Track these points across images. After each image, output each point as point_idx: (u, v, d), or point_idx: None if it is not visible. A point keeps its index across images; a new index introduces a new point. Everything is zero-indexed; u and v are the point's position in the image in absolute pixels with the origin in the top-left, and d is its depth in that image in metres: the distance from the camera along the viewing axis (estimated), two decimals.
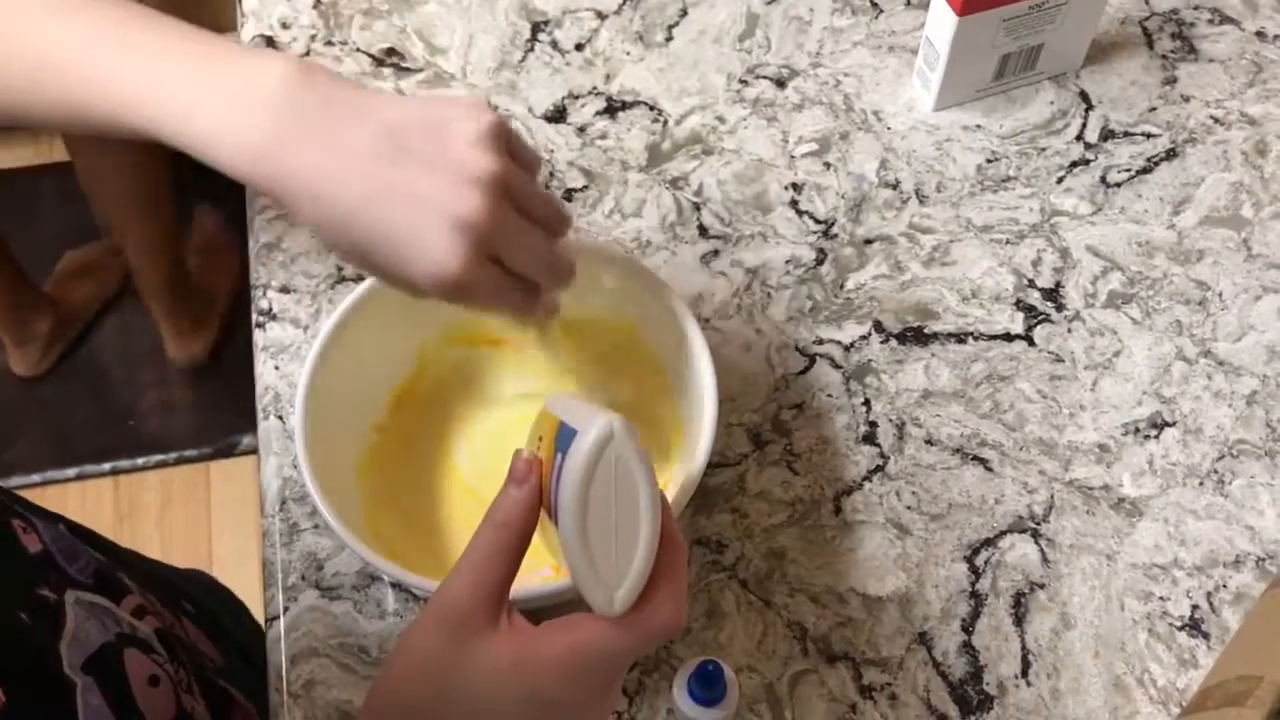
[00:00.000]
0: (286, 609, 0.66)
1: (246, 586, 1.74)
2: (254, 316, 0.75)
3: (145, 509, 1.85)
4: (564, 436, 0.45)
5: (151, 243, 1.73)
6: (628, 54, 0.86)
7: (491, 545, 0.45)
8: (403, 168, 0.48)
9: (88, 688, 0.54)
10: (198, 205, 1.92)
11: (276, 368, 0.73)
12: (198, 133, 0.49)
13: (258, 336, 0.74)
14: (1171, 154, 0.81)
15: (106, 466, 1.87)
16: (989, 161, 0.81)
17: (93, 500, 1.86)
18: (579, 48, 0.86)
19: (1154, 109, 0.83)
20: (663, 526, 0.45)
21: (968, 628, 0.65)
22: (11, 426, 1.90)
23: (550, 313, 0.55)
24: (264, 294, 0.76)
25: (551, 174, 0.80)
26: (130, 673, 0.58)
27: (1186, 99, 0.84)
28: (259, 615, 0.79)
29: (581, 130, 0.82)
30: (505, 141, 0.50)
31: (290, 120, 0.49)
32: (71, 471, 1.87)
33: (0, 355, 1.92)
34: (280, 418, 0.71)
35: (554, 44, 0.86)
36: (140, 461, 1.88)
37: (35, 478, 1.86)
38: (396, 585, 0.66)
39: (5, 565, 0.55)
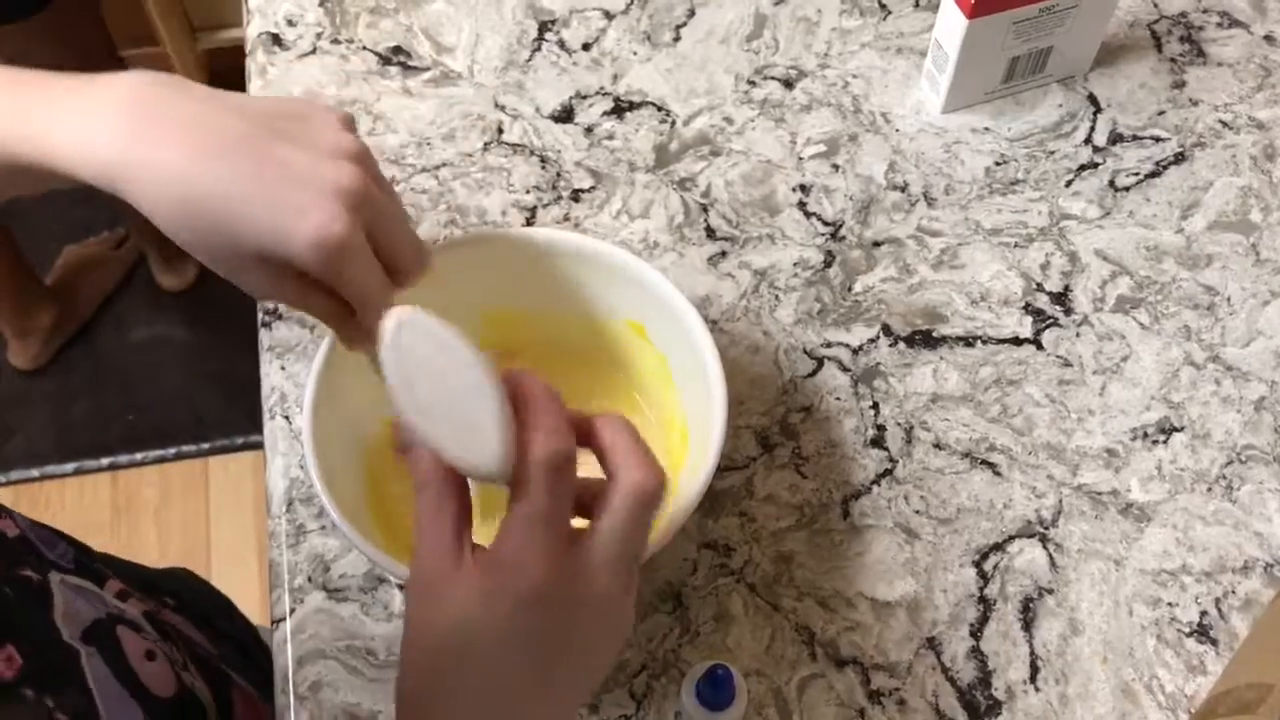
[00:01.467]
0: (293, 610, 0.65)
1: (245, 583, 1.75)
2: (260, 315, 0.75)
3: (143, 504, 1.85)
4: None
5: None
6: (635, 54, 0.86)
7: (426, 506, 0.46)
8: (276, 144, 0.49)
9: (91, 655, 0.54)
10: None
11: (282, 368, 0.73)
12: (56, 150, 0.49)
13: (263, 336, 0.74)
14: (1180, 158, 0.81)
15: (105, 461, 1.87)
16: (997, 164, 0.81)
17: (90, 495, 1.85)
18: (586, 47, 0.86)
19: (1162, 112, 0.83)
20: (513, 385, 0.45)
21: (976, 633, 0.65)
22: (10, 420, 1.90)
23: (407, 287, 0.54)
24: None
25: (559, 174, 0.80)
26: (126, 646, 0.58)
27: (1195, 103, 0.83)
28: (261, 614, 0.79)
29: (589, 130, 0.82)
30: (354, 127, 0.52)
31: (147, 116, 0.49)
32: (70, 466, 1.87)
33: (0, 348, 1.91)
34: (286, 418, 0.71)
35: (561, 44, 0.86)
36: (139, 457, 1.87)
37: (33, 472, 1.86)
38: (404, 587, 0.66)
39: None
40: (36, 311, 1.86)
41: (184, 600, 0.77)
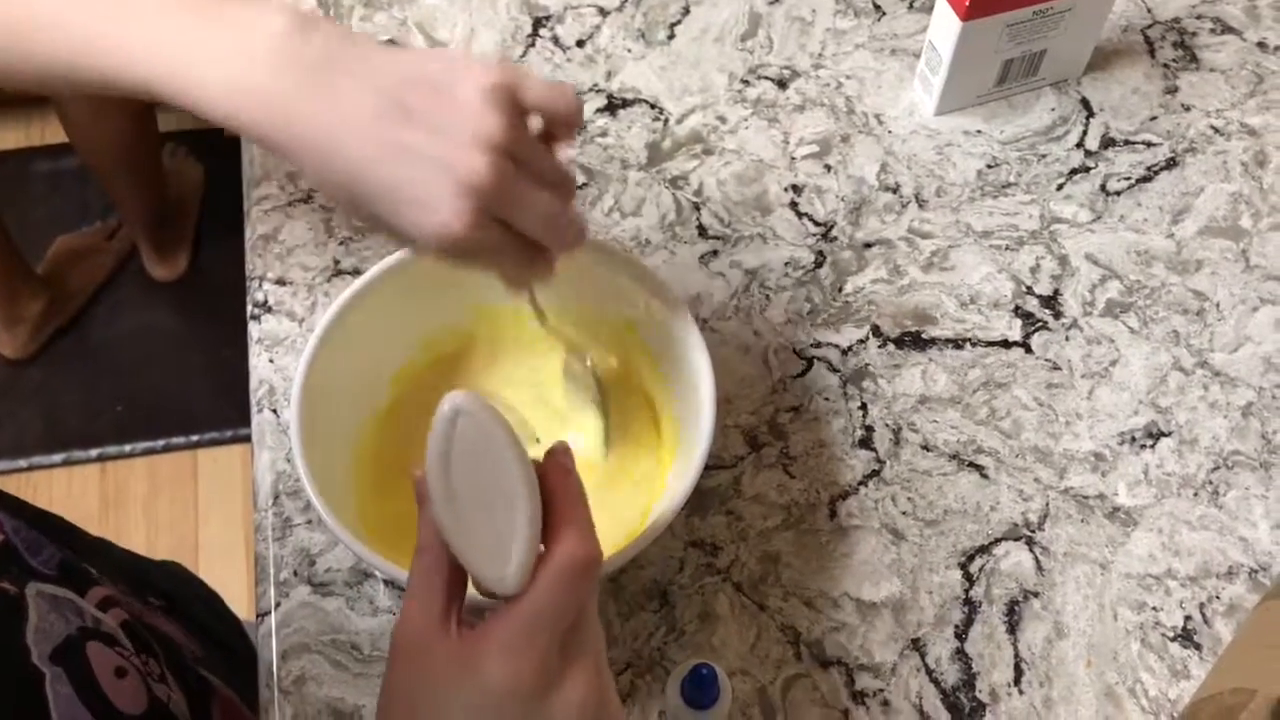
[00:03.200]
0: (278, 604, 0.65)
1: (233, 577, 1.75)
2: (249, 309, 0.74)
3: (132, 496, 1.84)
4: None
5: (138, 182, 1.82)
6: (629, 51, 0.86)
7: (420, 572, 0.45)
8: (407, 128, 0.48)
9: (56, 678, 0.53)
10: None
11: (271, 361, 0.73)
12: (197, 88, 0.49)
13: (253, 329, 0.74)
14: (1171, 163, 0.81)
15: (94, 453, 1.87)
16: (989, 167, 0.81)
17: (79, 486, 1.85)
18: (580, 44, 0.86)
19: (1155, 118, 0.83)
20: (549, 483, 0.45)
21: (961, 635, 0.65)
22: None
23: (548, 274, 0.54)
24: (260, 286, 0.75)
25: None
26: (94, 665, 0.57)
27: (1187, 108, 0.84)
28: (247, 607, 0.79)
29: (581, 128, 0.82)
30: (513, 99, 0.49)
31: (293, 75, 0.48)
32: (58, 457, 1.86)
33: None
34: (274, 411, 0.71)
35: (555, 40, 0.86)
36: (128, 448, 1.87)
37: (21, 462, 1.85)
38: (389, 582, 0.66)
39: None
40: (26, 300, 1.85)
41: (172, 600, 0.77)
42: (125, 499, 1.84)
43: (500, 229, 0.50)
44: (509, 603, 0.44)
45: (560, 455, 0.48)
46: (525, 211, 0.50)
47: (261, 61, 0.48)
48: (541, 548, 0.44)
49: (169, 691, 0.63)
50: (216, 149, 2.03)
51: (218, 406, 1.87)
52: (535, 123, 0.52)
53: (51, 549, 0.62)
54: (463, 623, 0.45)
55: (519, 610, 0.43)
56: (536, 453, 0.47)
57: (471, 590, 0.45)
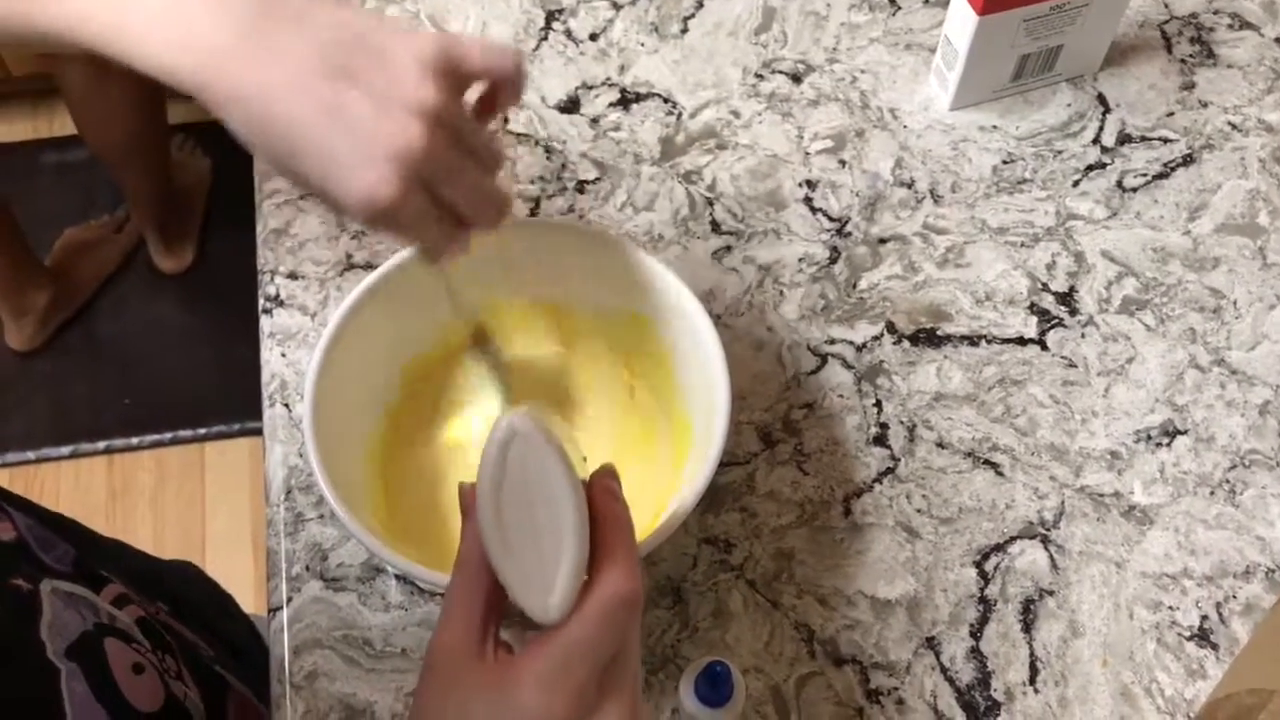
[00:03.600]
0: (290, 599, 0.65)
1: (239, 569, 1.75)
2: (261, 302, 0.74)
3: (139, 488, 1.84)
4: None
5: (146, 172, 1.82)
6: (642, 45, 0.85)
7: (460, 587, 0.45)
8: (346, 90, 0.47)
9: (72, 674, 0.53)
10: None
11: (283, 355, 0.72)
12: (136, 44, 0.48)
13: (264, 323, 0.73)
14: (1189, 160, 0.81)
15: (101, 445, 1.87)
16: (1005, 163, 0.80)
17: (86, 478, 1.85)
18: (593, 37, 0.85)
19: (1171, 114, 0.83)
20: (596, 510, 0.44)
21: (976, 633, 0.65)
22: (6, 402, 1.89)
23: (464, 249, 0.54)
24: (271, 280, 0.75)
25: (564, 165, 0.79)
26: (112, 660, 0.57)
27: (1204, 104, 0.83)
28: (255, 600, 0.79)
29: (594, 121, 0.81)
30: (453, 69, 0.49)
31: (233, 28, 0.48)
32: (66, 449, 1.86)
33: None
34: (286, 405, 0.71)
35: (568, 33, 0.86)
36: (135, 441, 1.87)
37: (29, 454, 1.85)
38: (401, 578, 0.66)
39: None
40: (33, 292, 1.85)
41: (183, 602, 0.77)
42: (132, 492, 1.84)
43: (425, 198, 0.49)
44: (549, 631, 0.43)
45: (608, 479, 0.47)
46: (453, 183, 0.50)
47: (201, 15, 0.48)
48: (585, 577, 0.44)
49: (186, 689, 0.63)
50: (225, 142, 2.03)
51: (225, 399, 1.87)
52: (476, 90, 0.52)
53: (65, 546, 0.62)
54: (500, 644, 0.44)
55: (558, 641, 0.42)
56: (582, 473, 0.47)
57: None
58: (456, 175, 0.50)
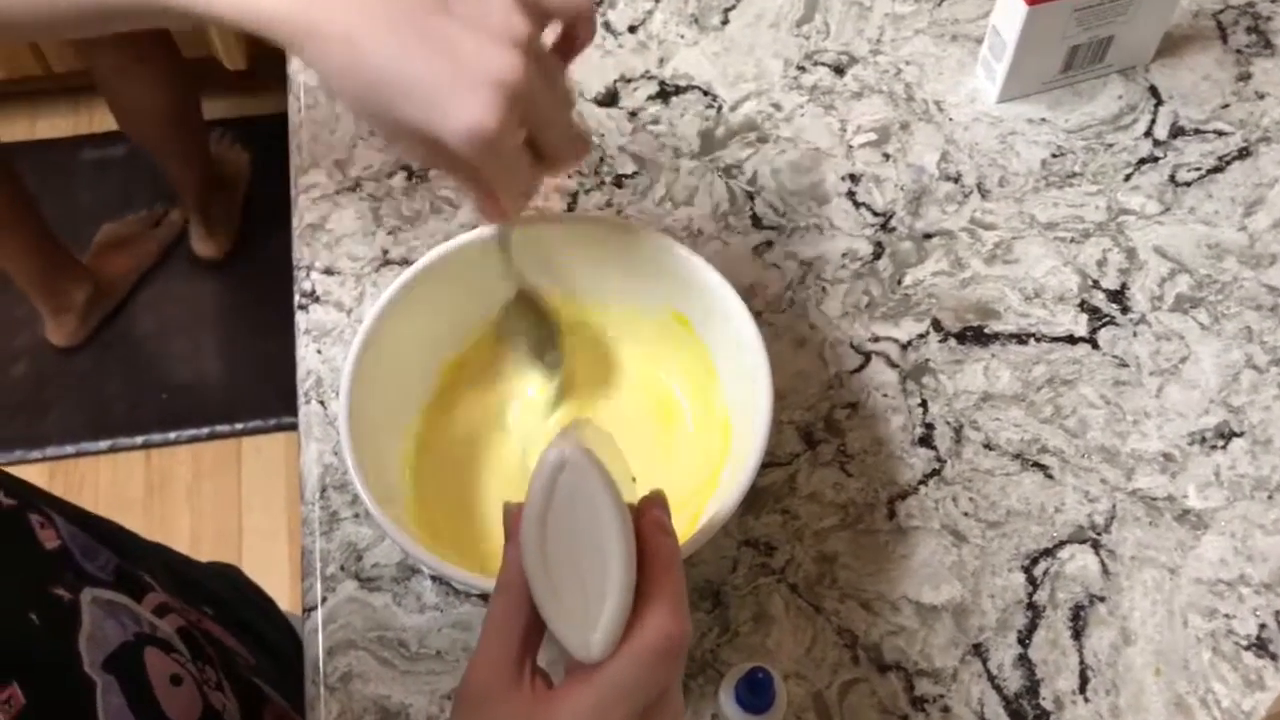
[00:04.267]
0: (325, 600, 0.64)
1: (276, 565, 1.75)
2: (296, 298, 0.73)
3: (176, 483, 1.85)
4: None
5: (187, 158, 1.83)
6: (682, 37, 0.84)
7: (499, 612, 0.44)
8: (437, 21, 0.47)
9: (108, 687, 0.52)
10: None
11: (319, 351, 0.72)
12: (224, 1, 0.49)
13: (300, 319, 0.73)
14: (1244, 153, 0.78)
15: (139, 439, 1.87)
16: (1054, 156, 0.78)
17: (124, 473, 1.86)
18: (632, 29, 0.84)
19: (1227, 105, 0.80)
20: (645, 544, 0.43)
21: (1024, 640, 0.63)
22: (46, 397, 1.91)
23: (555, 190, 0.54)
24: (307, 275, 0.74)
25: (601, 159, 0.78)
26: (151, 671, 0.57)
27: (1261, 96, 0.81)
28: (292, 596, 0.78)
29: (633, 115, 0.80)
30: (532, 1, 0.50)
31: None
32: (104, 444, 1.87)
33: (37, 326, 1.92)
34: (322, 403, 0.70)
35: (607, 25, 0.84)
36: (172, 435, 1.87)
37: (68, 449, 1.86)
38: (436, 578, 0.65)
39: (18, 563, 0.54)
40: (72, 289, 1.86)
41: (224, 605, 0.76)
42: (169, 486, 1.85)
43: (520, 133, 0.50)
44: (589, 669, 0.41)
45: (658, 510, 0.45)
46: (545, 116, 0.50)
47: None
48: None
49: (224, 700, 0.62)
50: (263, 136, 2.03)
51: (262, 395, 1.88)
52: (552, 32, 0.52)
53: (107, 554, 0.61)
54: (537, 674, 0.43)
55: (597, 681, 0.41)
56: (630, 495, 0.45)
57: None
58: (549, 108, 0.50)
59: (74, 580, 0.56)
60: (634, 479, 0.48)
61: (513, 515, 0.45)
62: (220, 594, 0.78)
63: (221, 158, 2.01)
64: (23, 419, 1.89)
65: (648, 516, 0.45)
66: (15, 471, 0.60)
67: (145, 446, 1.88)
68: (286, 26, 0.48)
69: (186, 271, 2.00)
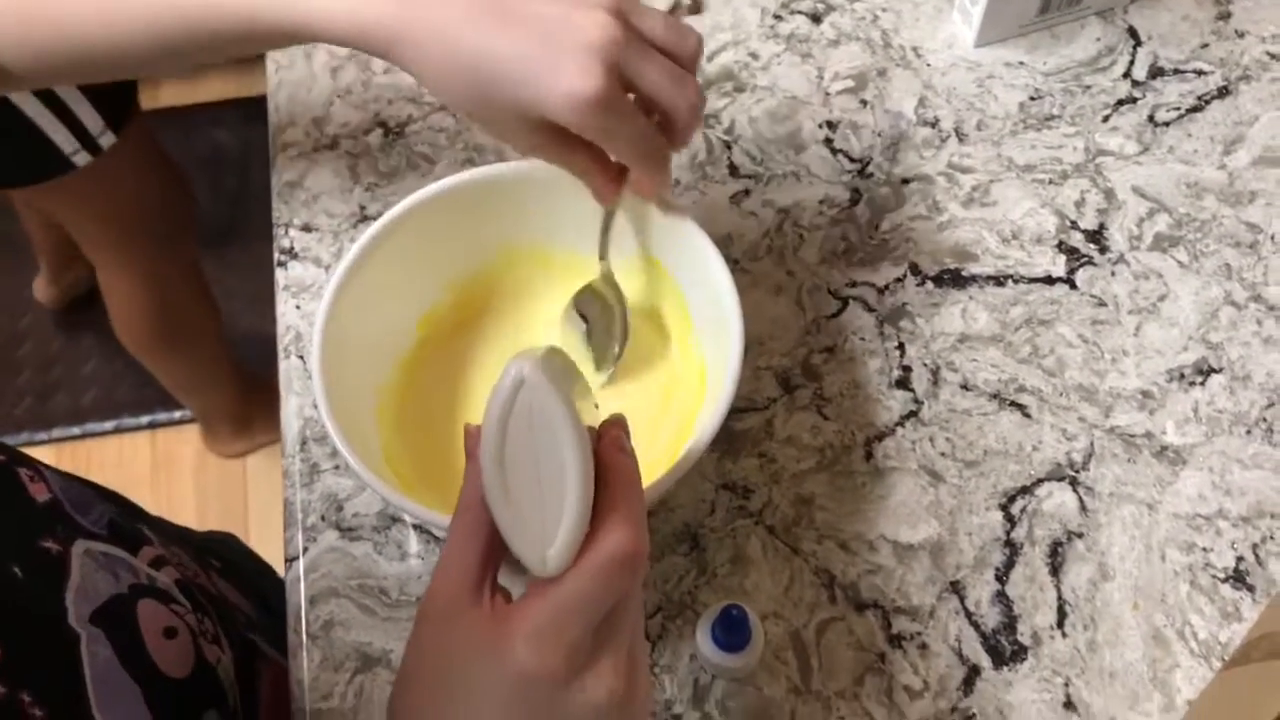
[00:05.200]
0: (306, 549, 0.65)
1: (280, 539, 1.75)
2: (275, 255, 0.74)
3: (182, 462, 1.86)
4: None
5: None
6: None
7: (458, 532, 0.44)
8: (528, 1, 0.49)
9: (94, 639, 0.53)
10: None
11: (298, 307, 0.72)
12: (316, 12, 0.51)
13: (279, 275, 0.73)
14: (1224, 92, 0.78)
15: (144, 419, 1.89)
16: (1032, 99, 0.78)
17: (130, 453, 1.87)
18: None
19: (1206, 45, 0.80)
20: (603, 463, 0.43)
21: (1002, 577, 0.63)
22: (52, 378, 1.92)
23: (684, 144, 0.55)
24: (285, 233, 0.74)
25: None
26: (143, 624, 0.57)
27: (1241, 34, 0.80)
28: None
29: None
30: None
31: None
32: (109, 424, 1.88)
33: (42, 307, 1.93)
34: (301, 357, 0.70)
35: None
36: (177, 415, 1.89)
37: (74, 430, 1.88)
38: (418, 527, 0.65)
39: (2, 516, 0.54)
40: (74, 262, 1.86)
41: (227, 564, 0.77)
42: (175, 464, 1.86)
43: (625, 98, 0.50)
44: (545, 584, 0.42)
45: (617, 430, 0.46)
46: (649, 69, 0.51)
47: None
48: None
49: (220, 653, 0.63)
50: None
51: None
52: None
53: (102, 507, 0.61)
54: (497, 591, 0.44)
55: (555, 595, 0.41)
56: (593, 420, 0.45)
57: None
58: (650, 62, 0.51)
59: (65, 533, 0.56)
60: (596, 405, 0.48)
61: (473, 435, 0.45)
62: (221, 553, 0.79)
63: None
64: (30, 400, 1.91)
65: (607, 436, 0.45)
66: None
67: (151, 427, 1.89)
68: (381, 33, 0.50)
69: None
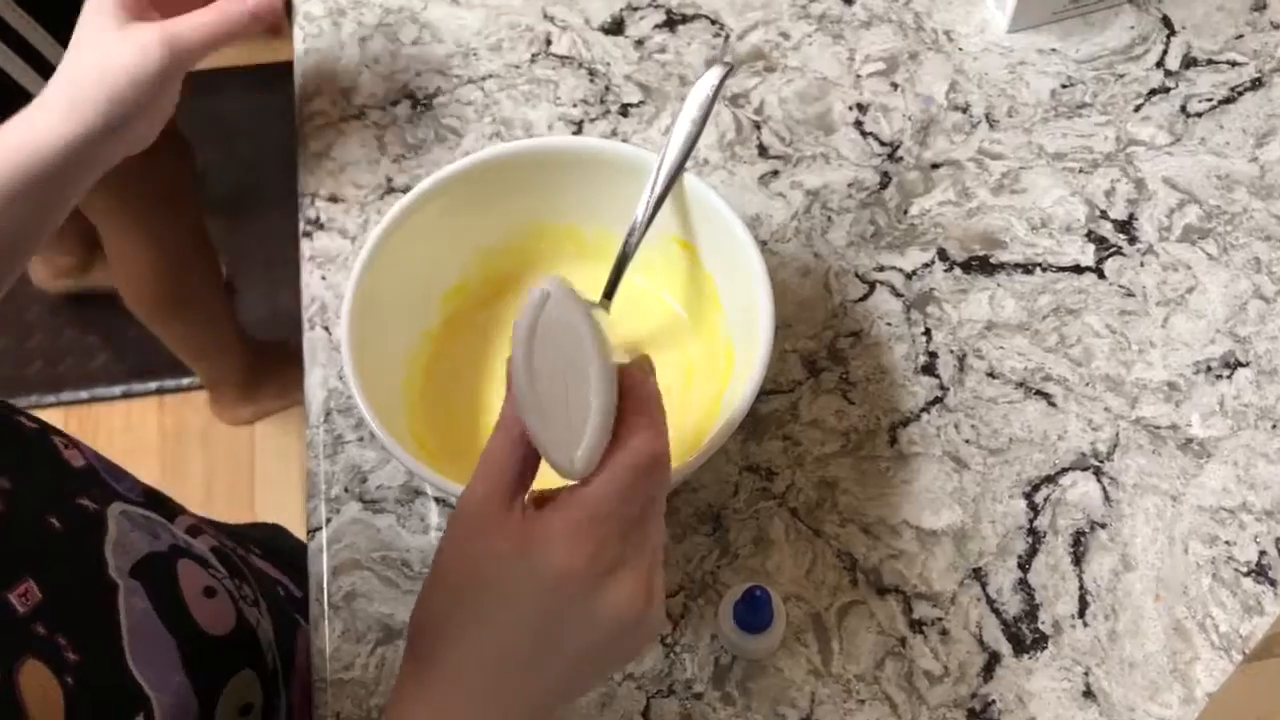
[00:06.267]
0: (329, 520, 0.65)
1: (289, 505, 1.76)
2: (301, 225, 0.74)
3: (190, 428, 1.86)
4: None
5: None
6: None
7: (495, 446, 0.45)
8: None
9: (132, 591, 0.53)
10: None
11: (323, 278, 0.72)
12: None
13: (304, 246, 0.73)
14: (1257, 83, 0.77)
15: (152, 385, 1.89)
16: (1064, 87, 0.77)
17: (138, 419, 1.87)
18: None
19: (1240, 36, 0.79)
20: (625, 380, 0.45)
21: (1024, 565, 0.63)
22: (61, 343, 1.92)
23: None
24: (311, 203, 0.74)
25: (607, 88, 0.78)
26: (183, 581, 0.57)
27: (1276, 26, 0.79)
28: (301, 533, 0.79)
29: (639, 44, 0.80)
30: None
31: None
32: (117, 389, 1.88)
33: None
34: (326, 328, 0.70)
35: None
36: (186, 382, 1.88)
37: (83, 394, 1.88)
38: (440, 500, 0.65)
39: (42, 476, 0.54)
40: (71, 246, 1.85)
41: (271, 548, 0.78)
42: (184, 431, 1.86)
43: None
44: (573, 488, 0.44)
45: (642, 361, 0.47)
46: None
47: None
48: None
49: (259, 616, 0.63)
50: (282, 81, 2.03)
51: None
52: None
53: (133, 479, 0.62)
54: (528, 504, 0.45)
55: (582, 496, 0.43)
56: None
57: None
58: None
59: (101, 495, 0.57)
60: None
61: (510, 361, 0.46)
62: (261, 539, 0.80)
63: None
64: (39, 364, 1.90)
65: (631, 364, 0.46)
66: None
67: (159, 393, 1.89)
68: None
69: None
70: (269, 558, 0.76)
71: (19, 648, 0.45)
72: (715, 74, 0.62)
